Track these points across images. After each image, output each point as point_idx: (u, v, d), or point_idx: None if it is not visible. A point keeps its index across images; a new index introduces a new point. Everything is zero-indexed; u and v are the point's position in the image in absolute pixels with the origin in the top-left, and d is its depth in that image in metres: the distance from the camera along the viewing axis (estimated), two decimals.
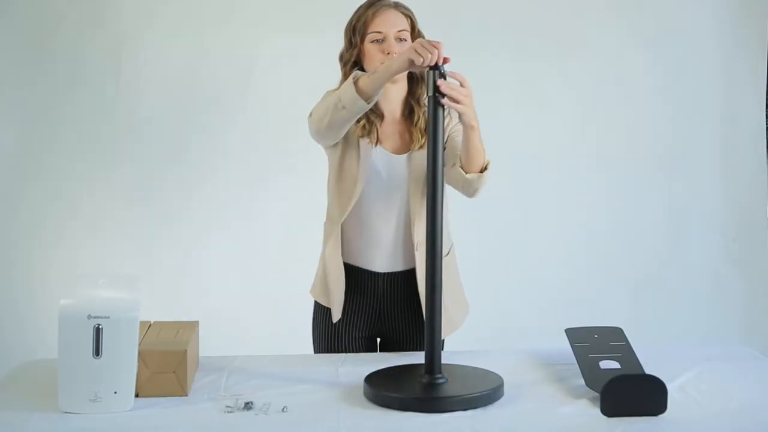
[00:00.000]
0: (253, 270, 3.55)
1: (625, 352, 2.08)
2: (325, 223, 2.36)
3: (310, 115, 2.21)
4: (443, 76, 1.96)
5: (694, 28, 3.66)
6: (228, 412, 1.83)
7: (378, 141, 2.25)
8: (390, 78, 2.05)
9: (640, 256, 3.69)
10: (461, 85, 1.98)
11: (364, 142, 2.24)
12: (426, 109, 2.07)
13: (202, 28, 3.48)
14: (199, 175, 3.53)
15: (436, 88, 1.94)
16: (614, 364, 2.03)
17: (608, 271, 3.65)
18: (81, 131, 3.48)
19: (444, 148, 2.01)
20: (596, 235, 3.66)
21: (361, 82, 2.04)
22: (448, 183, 2.20)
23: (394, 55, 2.17)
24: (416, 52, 1.95)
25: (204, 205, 3.53)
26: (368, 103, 2.05)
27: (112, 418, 1.79)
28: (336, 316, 2.31)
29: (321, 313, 2.37)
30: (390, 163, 2.25)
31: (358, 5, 2.27)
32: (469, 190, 2.20)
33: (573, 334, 2.15)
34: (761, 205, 3.74)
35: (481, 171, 2.16)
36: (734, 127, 3.72)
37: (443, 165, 1.95)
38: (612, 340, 2.14)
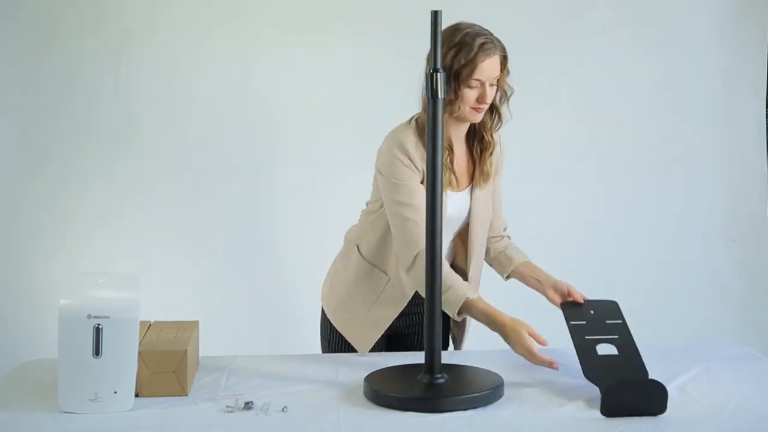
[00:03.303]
0: (253, 270, 3.55)
1: (622, 333, 2.07)
2: (365, 262, 2.31)
3: (409, 270, 2.16)
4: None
5: (694, 28, 3.66)
6: (228, 412, 1.83)
7: (457, 181, 2.24)
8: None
9: (640, 255, 3.69)
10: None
11: (446, 192, 2.20)
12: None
13: (202, 27, 3.48)
14: (199, 175, 3.53)
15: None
16: (611, 349, 2.02)
17: (608, 270, 3.65)
18: (80, 131, 3.47)
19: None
20: (596, 235, 3.66)
21: (467, 312, 2.10)
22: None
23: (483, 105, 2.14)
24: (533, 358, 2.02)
25: (204, 205, 3.53)
26: (457, 319, 2.13)
27: (112, 418, 1.79)
28: (365, 351, 2.29)
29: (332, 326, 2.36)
30: (452, 199, 2.22)
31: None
32: None
33: (569, 309, 2.15)
34: (761, 205, 3.74)
35: None
36: (734, 127, 3.72)
37: (443, 166, 1.94)
38: (608, 317, 2.13)
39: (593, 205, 3.66)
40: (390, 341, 2.41)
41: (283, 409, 1.84)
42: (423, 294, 2.05)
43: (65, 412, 1.81)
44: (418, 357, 2.06)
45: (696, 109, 3.69)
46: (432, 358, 1.94)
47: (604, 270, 3.66)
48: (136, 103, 3.48)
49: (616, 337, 2.06)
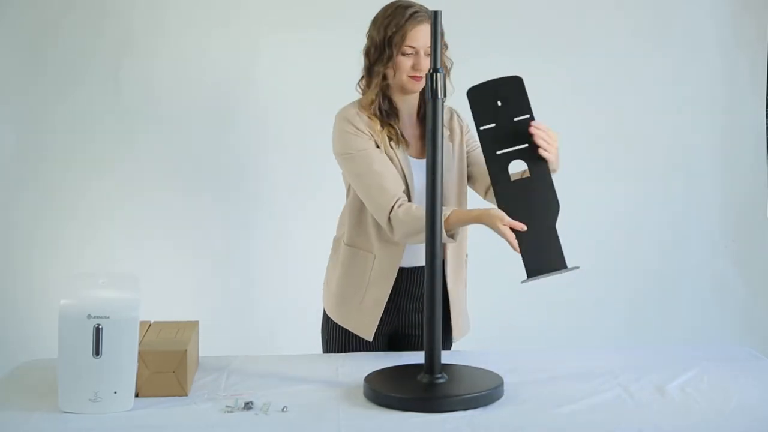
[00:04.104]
0: (253, 270, 3.55)
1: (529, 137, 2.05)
2: (345, 245, 2.35)
3: (389, 225, 2.17)
4: (532, 117, 2.05)
5: (694, 28, 3.66)
6: (228, 412, 1.83)
7: (406, 143, 2.28)
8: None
9: (640, 256, 3.69)
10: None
11: (402, 154, 2.25)
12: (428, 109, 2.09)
13: (202, 27, 3.47)
14: (200, 174, 3.53)
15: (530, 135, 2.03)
16: (521, 167, 2.07)
17: (608, 271, 3.65)
18: (80, 131, 3.47)
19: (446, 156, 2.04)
20: (596, 236, 3.65)
21: (451, 226, 2.09)
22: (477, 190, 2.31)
23: (420, 72, 2.19)
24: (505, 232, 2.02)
25: (204, 205, 3.53)
26: (453, 239, 2.12)
27: (112, 418, 1.79)
28: (369, 337, 2.32)
29: (333, 322, 2.38)
30: (415, 167, 2.26)
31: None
32: None
33: (476, 102, 2.07)
34: (761, 205, 3.74)
35: None
36: (734, 127, 3.71)
37: (443, 166, 1.95)
38: (515, 110, 2.07)
39: (593, 205, 3.66)
40: (391, 342, 2.41)
41: (283, 409, 1.84)
42: (415, 240, 2.15)
43: (65, 412, 1.81)
44: (418, 357, 2.06)
45: (696, 109, 3.69)
46: (432, 358, 1.94)
47: (604, 270, 3.66)
48: (136, 103, 3.48)
49: (526, 146, 2.06)
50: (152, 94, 3.48)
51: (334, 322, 2.37)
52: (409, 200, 2.24)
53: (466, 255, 2.43)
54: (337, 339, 2.36)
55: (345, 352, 2.34)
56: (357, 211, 2.31)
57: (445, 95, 1.94)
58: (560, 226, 3.80)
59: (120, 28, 3.45)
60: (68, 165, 3.47)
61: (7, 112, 3.45)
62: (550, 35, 3.58)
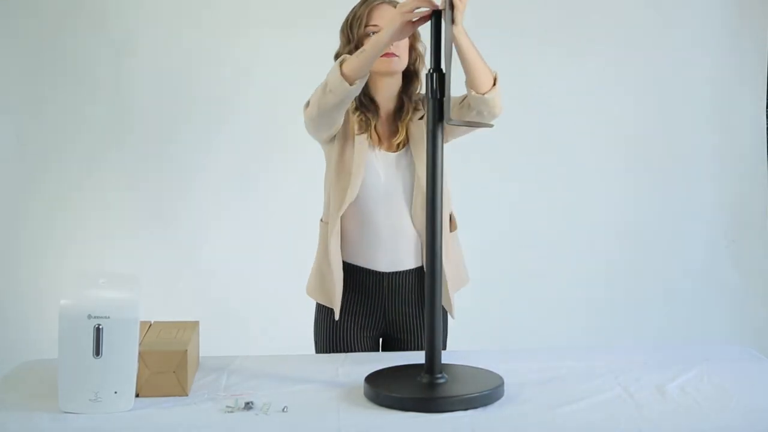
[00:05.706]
0: (253, 269, 3.55)
1: None
2: (320, 222, 2.37)
3: (307, 104, 2.21)
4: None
5: (694, 28, 3.66)
6: (228, 412, 1.83)
7: (378, 139, 2.28)
8: (379, 52, 2.04)
9: (640, 256, 3.69)
10: None
11: (360, 137, 2.25)
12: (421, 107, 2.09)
13: (200, 26, 3.48)
14: (199, 173, 3.53)
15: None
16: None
17: (608, 271, 3.66)
18: (79, 130, 3.48)
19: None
20: (595, 236, 3.66)
21: (346, 66, 2.05)
22: (464, 120, 2.17)
23: (391, 48, 2.19)
24: (409, 10, 1.94)
25: (204, 204, 3.53)
26: (352, 86, 2.05)
27: (112, 418, 1.79)
28: (337, 314, 2.31)
29: (322, 312, 2.37)
30: (387, 162, 2.26)
31: (353, 3, 2.29)
32: (493, 110, 2.15)
33: None
34: (761, 206, 3.74)
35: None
36: (734, 127, 3.72)
37: (443, 166, 1.95)
38: None
39: (593, 205, 3.66)
40: (381, 345, 2.41)
41: (283, 409, 1.84)
42: (324, 100, 2.09)
43: (65, 412, 1.81)
44: (418, 357, 2.06)
45: (696, 109, 3.69)
46: (432, 358, 1.94)
47: (604, 270, 3.66)
48: (134, 102, 3.48)
49: None
50: (150, 94, 3.48)
51: (320, 324, 2.37)
52: (367, 193, 2.24)
53: (450, 213, 2.37)
54: (326, 342, 2.36)
55: (336, 352, 2.34)
56: (331, 179, 2.29)
57: (443, 95, 1.94)
58: (560, 226, 3.81)
59: (118, 27, 3.45)
60: (67, 164, 3.48)
61: (8, 111, 3.45)
62: (550, 36, 3.58)
